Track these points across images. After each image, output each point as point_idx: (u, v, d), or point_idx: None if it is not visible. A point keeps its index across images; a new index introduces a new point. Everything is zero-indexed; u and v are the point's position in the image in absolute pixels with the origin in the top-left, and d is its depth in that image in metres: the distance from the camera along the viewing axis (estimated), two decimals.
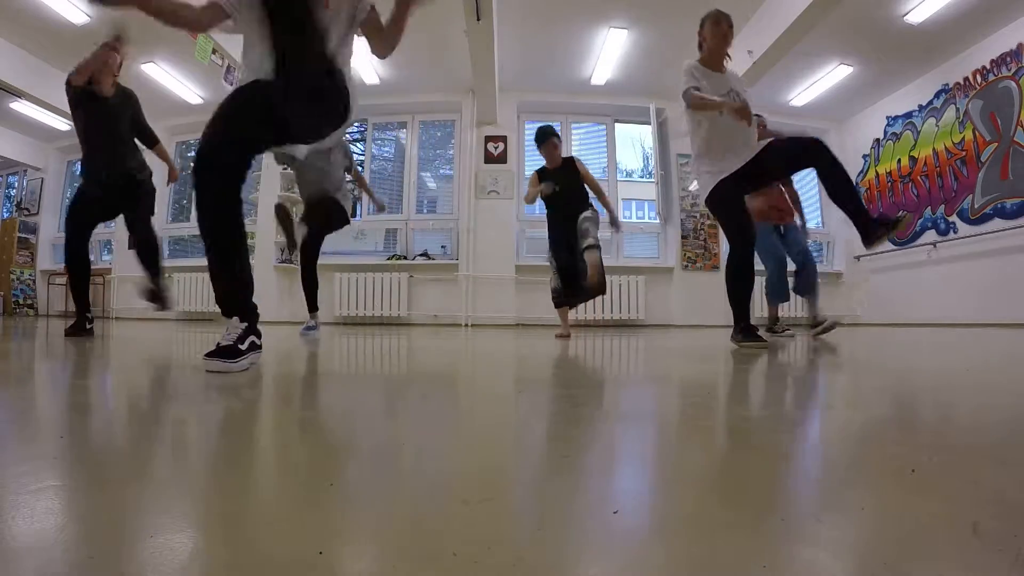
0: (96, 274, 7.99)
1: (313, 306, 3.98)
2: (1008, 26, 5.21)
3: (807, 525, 0.46)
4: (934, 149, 6.12)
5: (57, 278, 8.26)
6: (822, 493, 0.55)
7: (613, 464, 0.70)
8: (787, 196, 4.10)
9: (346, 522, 0.46)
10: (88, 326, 3.28)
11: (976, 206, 5.61)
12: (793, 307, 5.55)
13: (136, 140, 3.35)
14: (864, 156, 7.22)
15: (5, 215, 9.11)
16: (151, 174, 3.38)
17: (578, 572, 0.38)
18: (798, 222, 4.18)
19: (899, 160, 6.64)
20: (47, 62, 6.02)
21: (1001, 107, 5.32)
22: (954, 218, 5.88)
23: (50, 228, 8.80)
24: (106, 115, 3.16)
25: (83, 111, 3.11)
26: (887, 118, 6.82)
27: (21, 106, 6.95)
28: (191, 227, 7.78)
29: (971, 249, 5.68)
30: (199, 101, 7.19)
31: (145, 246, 3.29)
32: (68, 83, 3.08)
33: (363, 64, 6.33)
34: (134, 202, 3.28)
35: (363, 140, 7.71)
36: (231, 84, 5.52)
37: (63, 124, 7.57)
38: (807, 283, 3.88)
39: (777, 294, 4.07)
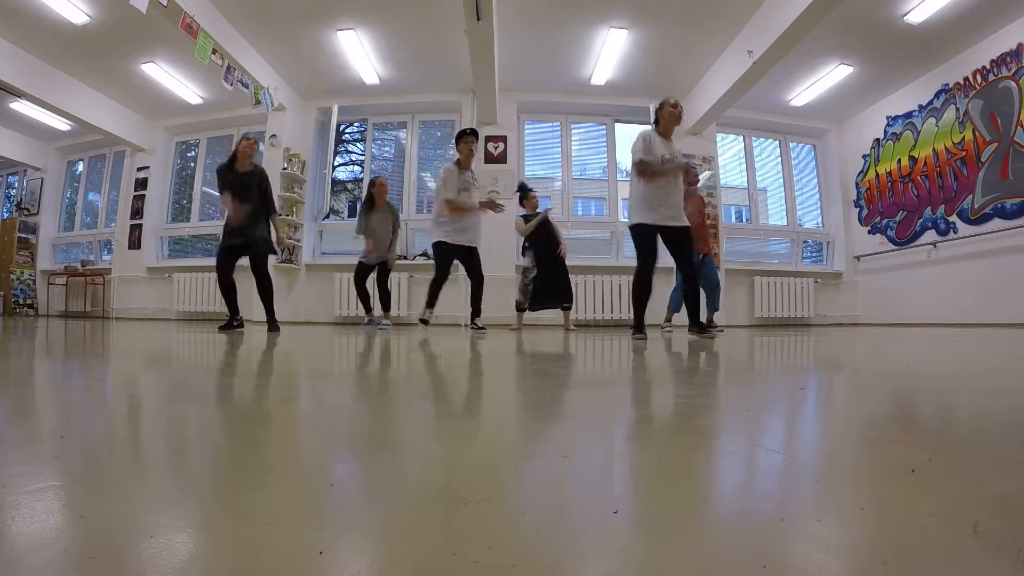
0: (96, 274, 8.02)
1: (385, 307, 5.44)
2: (1008, 26, 5.21)
3: (807, 525, 0.46)
4: (934, 149, 6.12)
5: (56, 278, 8.27)
6: (822, 493, 0.55)
7: (613, 464, 0.70)
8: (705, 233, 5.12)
9: (346, 522, 0.46)
10: (235, 324, 4.22)
11: (976, 206, 5.61)
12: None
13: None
14: (864, 156, 7.22)
15: (5, 215, 9.11)
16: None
17: (578, 572, 0.38)
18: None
19: (899, 160, 6.64)
20: (47, 62, 6.03)
21: (1001, 107, 5.32)
22: (954, 218, 5.88)
23: (50, 228, 8.80)
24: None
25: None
26: (887, 118, 6.81)
27: (21, 106, 6.95)
28: (191, 227, 7.79)
29: (971, 249, 5.68)
30: (199, 101, 7.20)
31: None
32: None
33: (362, 63, 6.34)
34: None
35: (363, 140, 7.71)
36: (231, 84, 5.52)
37: (63, 124, 7.58)
38: (711, 305, 5.07)
39: (675, 305, 5.23)
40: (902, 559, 0.38)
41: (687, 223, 3.66)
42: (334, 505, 0.50)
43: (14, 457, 0.64)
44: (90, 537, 0.41)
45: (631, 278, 6.96)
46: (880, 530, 0.44)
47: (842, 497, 0.53)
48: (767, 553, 0.39)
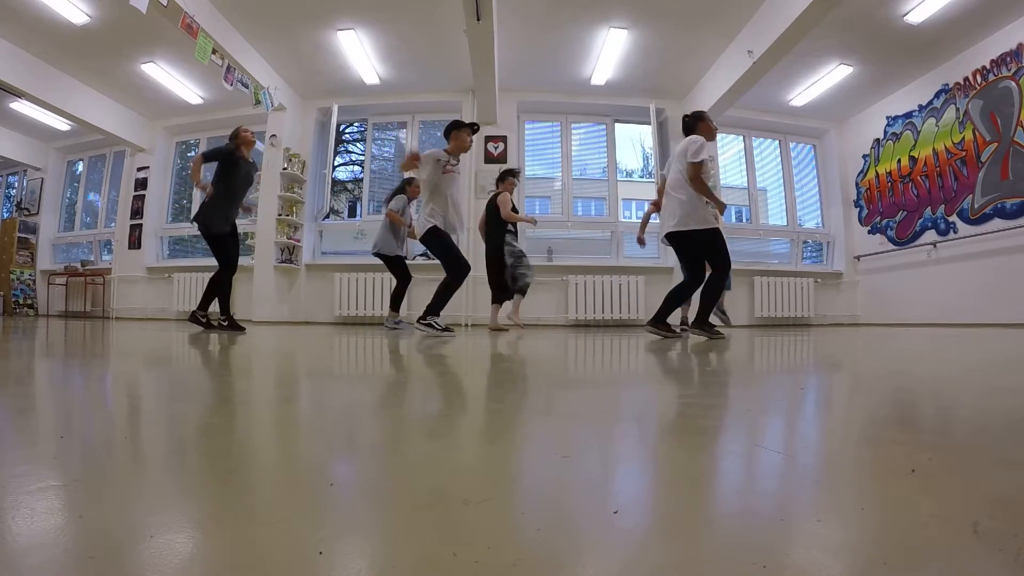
0: (96, 274, 8.02)
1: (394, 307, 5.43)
2: (1008, 26, 5.20)
3: (807, 525, 0.46)
4: (934, 149, 6.12)
5: (56, 278, 8.26)
6: (822, 493, 0.55)
7: (613, 464, 0.70)
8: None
9: (346, 522, 0.46)
10: (215, 323, 4.24)
11: (976, 206, 5.61)
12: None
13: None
14: (864, 156, 7.22)
15: (5, 215, 9.11)
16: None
17: (578, 572, 0.38)
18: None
19: (899, 160, 6.64)
20: (47, 62, 6.02)
21: (1001, 107, 5.32)
22: (954, 218, 5.87)
23: (50, 228, 8.80)
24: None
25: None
26: (887, 118, 6.81)
27: (21, 106, 6.95)
28: (191, 227, 7.78)
29: (971, 249, 5.68)
30: (199, 101, 7.19)
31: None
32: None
33: (362, 63, 6.34)
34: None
35: (363, 140, 7.71)
36: (231, 84, 5.52)
37: (63, 124, 7.57)
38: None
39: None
40: (902, 559, 0.38)
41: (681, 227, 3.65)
42: (334, 505, 0.50)
43: (14, 457, 0.64)
44: (90, 537, 0.41)
45: (632, 278, 6.93)
46: (880, 530, 0.44)
47: (842, 497, 0.53)
48: (767, 553, 0.39)
